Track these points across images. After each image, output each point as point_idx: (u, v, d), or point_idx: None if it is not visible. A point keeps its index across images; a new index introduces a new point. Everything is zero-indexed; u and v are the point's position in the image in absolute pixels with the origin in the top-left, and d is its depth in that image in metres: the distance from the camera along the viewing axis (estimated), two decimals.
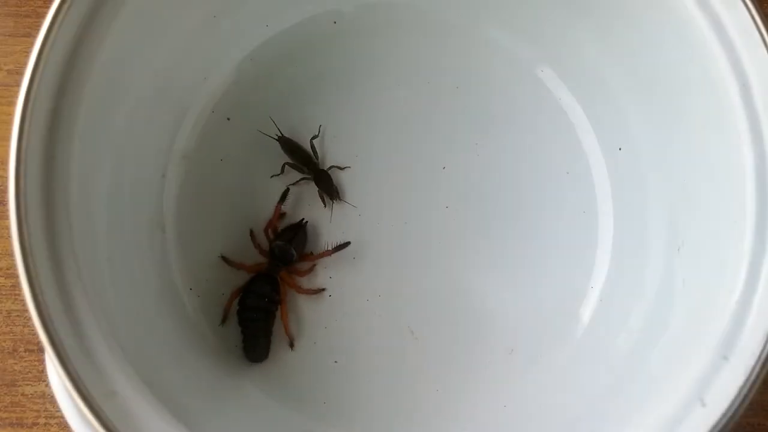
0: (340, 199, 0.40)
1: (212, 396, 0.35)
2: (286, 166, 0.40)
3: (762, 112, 0.30)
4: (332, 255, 0.39)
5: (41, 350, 0.39)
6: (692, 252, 0.34)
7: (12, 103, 0.27)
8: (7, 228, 0.26)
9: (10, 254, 0.27)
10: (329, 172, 0.40)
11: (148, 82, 0.36)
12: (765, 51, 0.30)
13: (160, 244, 0.38)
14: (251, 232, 0.39)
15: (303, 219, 0.40)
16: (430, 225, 0.40)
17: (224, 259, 0.39)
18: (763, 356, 0.28)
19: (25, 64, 0.27)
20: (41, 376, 0.39)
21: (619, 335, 0.37)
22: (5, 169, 0.27)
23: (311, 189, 0.40)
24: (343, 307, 0.39)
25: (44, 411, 0.39)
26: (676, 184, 0.36)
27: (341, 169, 0.40)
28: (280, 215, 0.39)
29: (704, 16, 0.31)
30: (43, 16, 0.28)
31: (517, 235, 0.40)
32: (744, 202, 0.30)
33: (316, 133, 0.41)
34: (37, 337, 0.26)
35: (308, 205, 0.40)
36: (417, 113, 0.42)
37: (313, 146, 0.40)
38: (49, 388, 0.30)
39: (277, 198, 0.39)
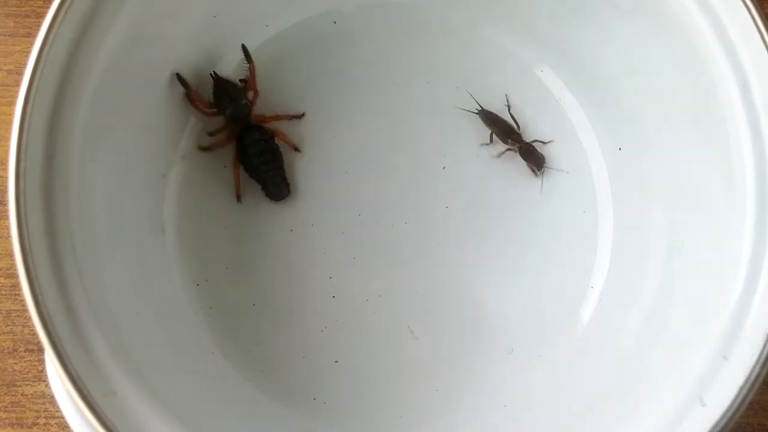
0: (547, 168, 0.40)
1: (212, 396, 0.35)
2: (493, 135, 0.41)
3: (762, 112, 0.30)
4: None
5: (41, 350, 0.39)
6: (692, 252, 0.34)
7: (12, 103, 0.27)
8: (7, 228, 0.27)
9: (10, 254, 0.27)
10: (533, 144, 0.41)
11: (148, 81, 0.36)
12: (765, 51, 0.30)
13: (160, 244, 0.38)
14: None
15: (210, 73, 0.39)
16: (430, 225, 0.40)
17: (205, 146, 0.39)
18: (763, 356, 0.28)
19: (25, 64, 0.27)
20: (41, 376, 0.39)
21: (619, 335, 0.37)
22: (5, 169, 0.27)
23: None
24: (343, 307, 0.39)
25: (44, 411, 0.39)
26: (676, 184, 0.36)
27: (544, 143, 0.41)
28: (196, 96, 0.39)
29: (704, 16, 0.31)
30: (43, 16, 0.28)
31: (517, 235, 0.40)
32: (744, 202, 0.30)
33: (507, 103, 0.41)
34: (37, 337, 0.26)
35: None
36: (417, 113, 0.42)
37: (513, 117, 0.41)
38: (49, 388, 0.31)
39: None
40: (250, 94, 0.40)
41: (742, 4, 0.30)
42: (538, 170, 0.40)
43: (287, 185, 0.40)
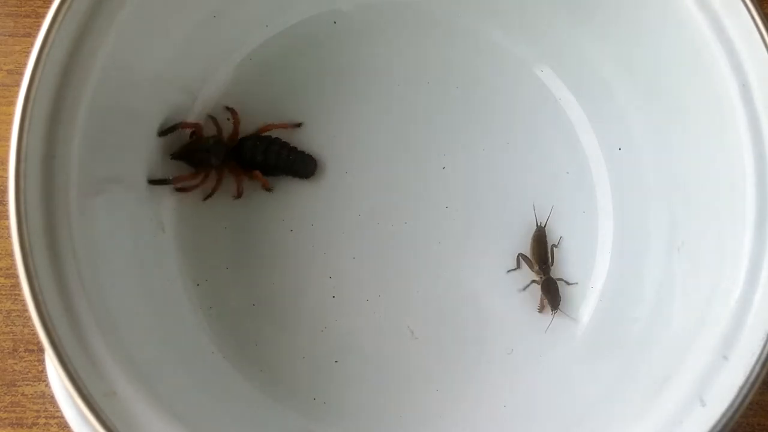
0: (559, 311, 0.39)
1: (211, 396, 0.35)
2: (520, 256, 0.40)
3: (762, 112, 0.30)
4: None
5: (41, 350, 0.39)
6: (692, 252, 0.34)
7: (12, 103, 0.27)
8: (7, 228, 0.27)
9: (10, 254, 0.27)
10: (557, 282, 0.39)
11: (148, 82, 0.36)
12: (765, 51, 0.30)
13: (160, 243, 0.38)
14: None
15: (171, 154, 0.38)
16: (430, 225, 0.40)
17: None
18: (763, 356, 0.28)
19: (25, 64, 0.27)
20: (41, 376, 0.39)
21: (619, 335, 0.37)
22: (5, 169, 0.27)
23: None
24: (343, 307, 0.39)
25: (44, 411, 0.39)
26: (676, 184, 0.36)
27: (569, 284, 0.40)
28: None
29: (704, 16, 0.31)
30: (43, 16, 0.28)
31: (517, 235, 0.40)
32: (744, 201, 0.30)
33: (556, 244, 0.40)
34: (37, 337, 0.26)
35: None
36: (417, 113, 0.42)
37: (552, 252, 0.40)
38: (49, 388, 0.31)
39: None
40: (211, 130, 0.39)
41: (742, 4, 0.30)
42: (552, 310, 0.39)
43: (312, 160, 0.40)
